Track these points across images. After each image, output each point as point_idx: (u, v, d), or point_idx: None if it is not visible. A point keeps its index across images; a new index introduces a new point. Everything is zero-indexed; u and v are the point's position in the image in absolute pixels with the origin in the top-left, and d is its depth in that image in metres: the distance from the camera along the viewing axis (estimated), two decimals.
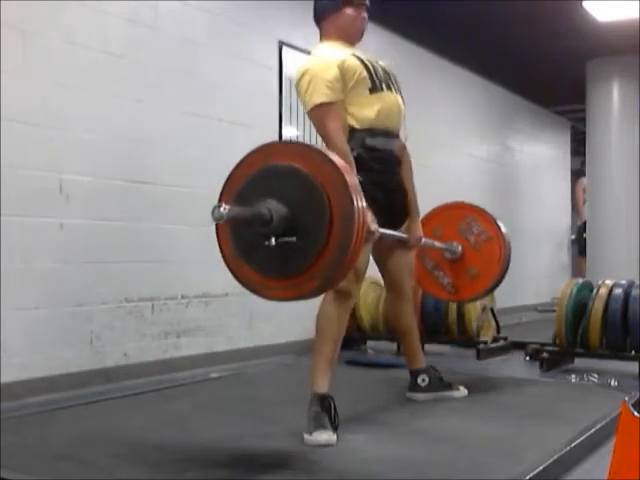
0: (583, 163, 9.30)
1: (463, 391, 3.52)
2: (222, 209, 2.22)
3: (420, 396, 3.43)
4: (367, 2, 3.22)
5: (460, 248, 3.65)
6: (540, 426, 2.98)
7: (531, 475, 2.25)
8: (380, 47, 6.46)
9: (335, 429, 2.70)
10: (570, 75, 8.61)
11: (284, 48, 5.33)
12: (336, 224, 2.27)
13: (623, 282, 4.41)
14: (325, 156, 2.37)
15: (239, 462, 2.45)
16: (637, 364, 4.19)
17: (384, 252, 3.28)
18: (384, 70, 3.22)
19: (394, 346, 4.98)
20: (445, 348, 5.17)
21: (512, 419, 3.14)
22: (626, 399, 3.10)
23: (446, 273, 3.67)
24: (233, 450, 2.62)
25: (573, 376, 4.13)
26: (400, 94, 3.25)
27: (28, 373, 3.62)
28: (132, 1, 4.24)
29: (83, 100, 3.93)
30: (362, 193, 2.37)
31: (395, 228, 3.22)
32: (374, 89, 3.10)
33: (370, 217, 2.87)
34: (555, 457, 2.45)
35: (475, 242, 3.63)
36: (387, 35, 6.50)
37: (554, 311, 4.54)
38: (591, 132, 8.83)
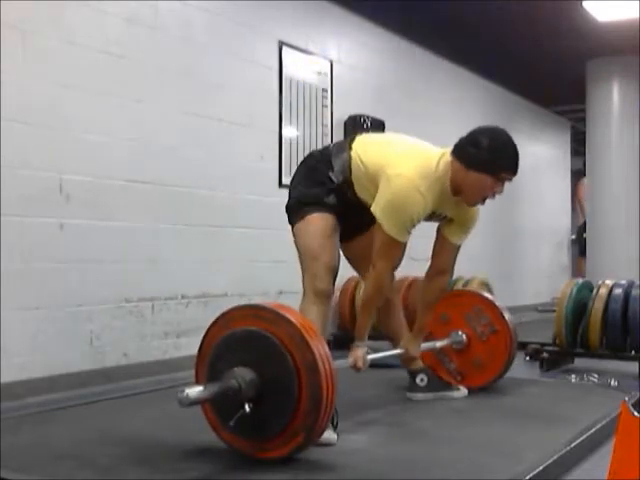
0: (584, 163, 9.30)
1: (463, 391, 3.52)
2: (184, 394, 2.24)
3: (420, 396, 3.43)
4: (508, 179, 3.15)
5: (465, 338, 3.61)
6: (540, 426, 2.98)
7: (531, 475, 2.25)
8: (380, 47, 6.48)
9: (335, 429, 2.70)
10: (570, 75, 8.62)
11: (284, 48, 5.33)
12: (305, 384, 2.30)
13: (623, 282, 4.41)
14: (284, 317, 2.38)
15: (239, 462, 2.45)
16: (637, 364, 4.19)
17: (361, 263, 3.27)
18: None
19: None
20: None
21: (512, 419, 3.14)
22: (626, 399, 3.09)
23: (452, 359, 3.65)
24: (233, 450, 2.61)
25: (573, 376, 4.13)
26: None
27: (28, 373, 3.62)
28: (132, 1, 4.24)
29: (83, 100, 3.94)
30: (323, 343, 2.38)
31: (363, 232, 3.21)
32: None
33: (361, 353, 3.01)
34: (555, 457, 2.45)
35: (482, 333, 3.60)
36: (387, 35, 6.50)
37: (554, 311, 4.54)
38: (591, 132, 8.83)
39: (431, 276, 3.33)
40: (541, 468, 2.31)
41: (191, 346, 4.61)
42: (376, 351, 3.24)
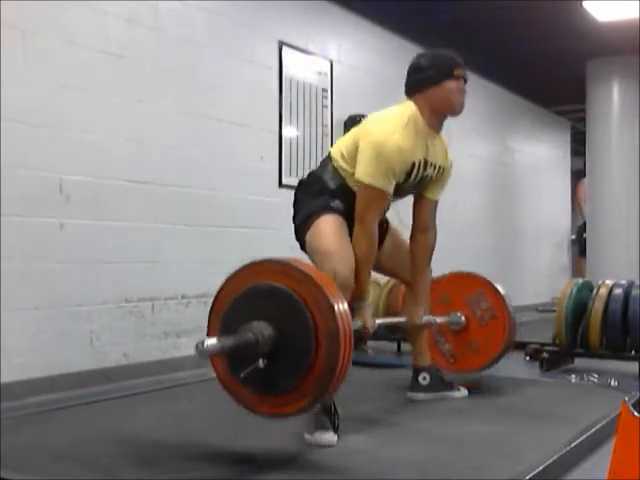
0: (584, 163, 9.31)
1: (463, 391, 3.52)
2: (205, 345, 2.23)
3: (421, 395, 3.43)
4: (466, 75, 3.25)
5: (464, 319, 3.63)
6: (540, 426, 2.98)
7: (531, 475, 2.25)
8: (380, 47, 6.48)
9: (336, 429, 2.70)
10: (570, 75, 8.62)
11: (284, 48, 5.33)
12: (322, 348, 2.29)
13: (623, 282, 4.41)
14: (311, 278, 2.37)
15: (239, 462, 2.45)
16: (637, 364, 4.19)
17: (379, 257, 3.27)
18: (434, 167, 3.21)
19: (394, 346, 4.98)
20: None
21: (512, 419, 3.14)
22: (626, 399, 3.09)
23: (448, 340, 3.66)
24: (233, 450, 2.62)
25: (573, 376, 4.12)
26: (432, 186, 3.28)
27: (28, 373, 3.62)
28: (132, 1, 4.24)
29: (83, 100, 3.94)
30: (348, 313, 2.38)
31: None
32: (401, 182, 3.09)
33: (369, 314, 3.02)
34: (555, 457, 2.45)
35: (481, 317, 3.61)
36: (387, 35, 6.50)
37: (554, 311, 4.54)
38: (591, 132, 8.83)
39: (415, 236, 3.37)
40: (541, 468, 2.31)
41: (191, 346, 4.62)
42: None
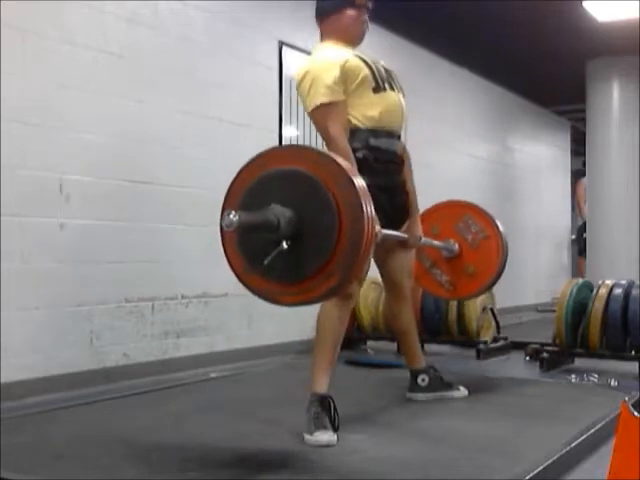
0: (583, 163, 9.31)
1: (463, 391, 3.52)
2: (232, 215, 2.19)
3: (420, 396, 3.43)
4: (369, 4, 3.20)
5: (457, 246, 3.66)
6: (540, 426, 2.98)
7: (531, 475, 2.25)
8: (380, 47, 6.47)
9: (335, 429, 2.70)
10: (570, 75, 8.61)
11: (284, 48, 5.33)
12: (345, 225, 2.26)
13: (623, 282, 4.41)
14: (328, 157, 2.37)
15: (239, 462, 2.45)
16: (637, 364, 4.19)
17: (384, 253, 3.27)
18: (385, 70, 3.22)
19: (394, 346, 4.97)
20: (445, 348, 5.17)
21: (512, 419, 3.14)
22: (626, 399, 3.08)
23: (444, 271, 3.68)
24: (233, 450, 2.62)
25: (573, 376, 4.13)
26: (402, 94, 3.25)
27: (28, 373, 3.62)
28: (132, 1, 4.24)
29: (83, 100, 3.93)
30: (368, 194, 2.36)
31: (397, 229, 3.22)
32: (377, 89, 3.10)
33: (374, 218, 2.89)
34: (555, 457, 2.45)
35: (473, 240, 3.65)
36: (387, 35, 6.49)
37: (554, 311, 4.54)
38: (591, 132, 8.82)
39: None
40: (541, 468, 2.31)
41: (191, 346, 4.65)
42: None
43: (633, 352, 4.23)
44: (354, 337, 5.15)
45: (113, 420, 3.10)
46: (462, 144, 7.97)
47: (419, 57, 7.08)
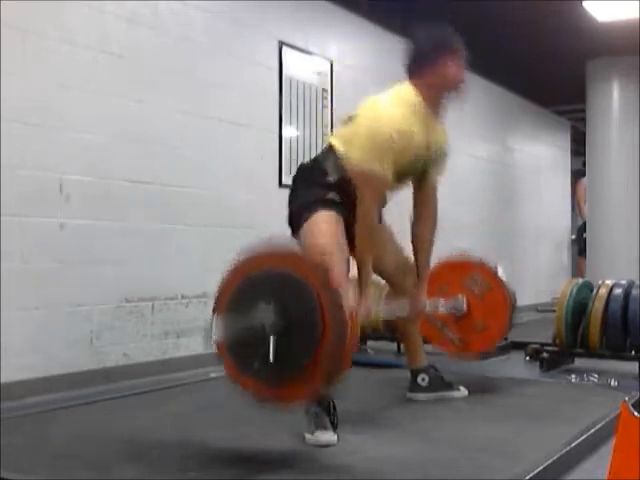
0: (583, 163, 9.31)
1: (463, 391, 3.51)
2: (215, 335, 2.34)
3: (421, 396, 3.43)
4: (464, 51, 3.13)
5: (465, 304, 3.64)
6: (540, 426, 2.98)
7: (531, 475, 2.25)
8: (380, 47, 6.47)
9: (335, 429, 2.70)
10: (570, 75, 8.61)
11: (284, 48, 5.33)
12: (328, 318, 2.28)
13: (623, 282, 4.40)
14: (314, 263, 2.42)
15: (239, 462, 2.45)
16: (637, 364, 4.19)
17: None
18: (434, 152, 3.13)
19: (394, 346, 4.98)
20: None
21: (512, 419, 3.14)
22: (626, 399, 3.08)
23: (455, 330, 3.67)
24: (233, 450, 2.62)
25: (573, 376, 4.12)
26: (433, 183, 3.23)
27: (28, 373, 3.62)
28: (132, 1, 4.24)
29: (83, 100, 3.93)
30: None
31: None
32: (401, 179, 3.04)
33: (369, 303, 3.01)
34: (555, 457, 2.45)
35: (479, 293, 3.63)
36: (387, 35, 6.49)
37: (554, 311, 4.54)
38: (591, 132, 8.82)
39: (419, 223, 3.30)
40: (541, 468, 2.31)
41: (191, 346, 4.64)
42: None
43: (633, 352, 4.23)
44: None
45: (113, 420, 3.10)
46: (462, 144, 7.96)
47: None
